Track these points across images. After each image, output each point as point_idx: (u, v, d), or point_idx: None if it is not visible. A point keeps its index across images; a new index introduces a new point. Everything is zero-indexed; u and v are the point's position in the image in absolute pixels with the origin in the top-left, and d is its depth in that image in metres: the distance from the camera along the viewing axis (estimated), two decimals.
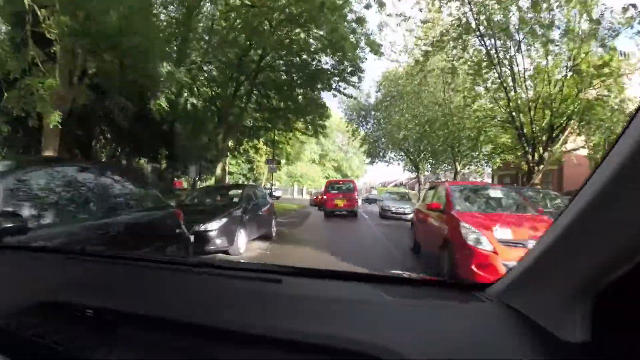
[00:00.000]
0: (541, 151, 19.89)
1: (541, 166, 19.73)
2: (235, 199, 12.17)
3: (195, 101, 28.45)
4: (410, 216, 20.60)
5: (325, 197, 27.08)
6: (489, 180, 46.46)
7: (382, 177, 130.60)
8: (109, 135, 27.03)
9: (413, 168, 47.00)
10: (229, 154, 51.82)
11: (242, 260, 6.48)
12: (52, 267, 2.19)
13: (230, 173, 69.76)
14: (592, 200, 0.94)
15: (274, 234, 14.44)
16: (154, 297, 1.69)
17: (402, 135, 37.06)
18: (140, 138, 24.87)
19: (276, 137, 33.12)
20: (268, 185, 44.29)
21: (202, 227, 9.56)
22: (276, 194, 48.14)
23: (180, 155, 32.53)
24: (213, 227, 9.77)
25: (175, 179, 36.68)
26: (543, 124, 20.03)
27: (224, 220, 10.15)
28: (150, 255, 3.18)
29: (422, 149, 40.39)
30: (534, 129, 19.74)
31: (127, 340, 1.39)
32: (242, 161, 69.54)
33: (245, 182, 66.56)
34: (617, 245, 0.93)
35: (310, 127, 31.08)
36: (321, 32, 22.51)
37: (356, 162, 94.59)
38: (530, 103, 19.49)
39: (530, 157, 20.14)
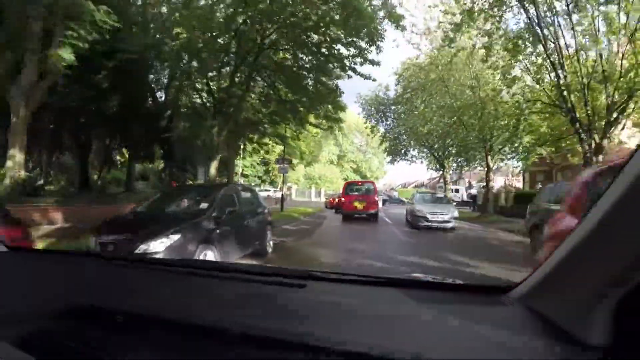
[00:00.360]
0: (598, 139, 16.37)
1: (600, 157, 16.10)
2: (206, 205, 8.44)
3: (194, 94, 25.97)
4: (450, 225, 18.69)
5: (343, 199, 25.54)
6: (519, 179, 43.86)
7: (403, 177, 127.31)
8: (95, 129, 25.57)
9: (437, 166, 43.72)
10: (241, 154, 50.67)
11: (266, 265, 6.33)
12: (82, 270, 2.31)
13: (245, 175, 69.64)
14: (616, 203, 0.96)
15: (269, 250, 11.20)
16: (181, 302, 1.73)
17: (426, 129, 33.95)
18: (129, 133, 23.25)
19: (286, 133, 29.62)
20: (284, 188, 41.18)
21: (142, 248, 6.36)
22: (275, 195, 45.97)
23: (179, 154, 31.03)
24: (156, 248, 6.47)
25: (174, 180, 34.81)
26: (599, 103, 16.49)
27: (176, 237, 6.83)
28: (175, 260, 3.47)
29: (450, 143, 36.94)
30: (588, 112, 16.28)
31: (156, 345, 1.41)
32: (257, 163, 69.61)
33: (261, 185, 65.66)
34: (633, 254, 0.95)
35: (324, 120, 27.39)
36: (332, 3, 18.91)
37: (375, 163, 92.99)
38: (585, 79, 16.07)
39: (586, 146, 16.59)
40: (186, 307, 1.62)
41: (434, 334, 1.33)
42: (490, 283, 2.04)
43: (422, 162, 45.37)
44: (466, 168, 43.26)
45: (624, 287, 1.02)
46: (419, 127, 34.34)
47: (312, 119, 28.18)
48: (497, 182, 56.86)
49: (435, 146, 39.39)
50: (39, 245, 9.24)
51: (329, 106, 25.93)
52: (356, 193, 25.05)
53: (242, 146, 36.59)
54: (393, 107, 41.71)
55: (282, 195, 29.21)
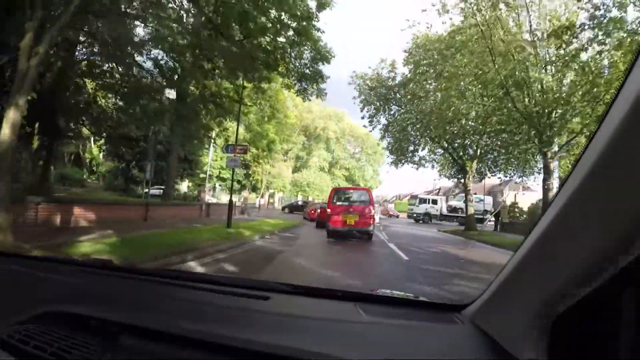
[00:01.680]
0: None
1: None
2: None
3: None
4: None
5: (328, 210, 19.38)
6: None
7: (400, 188, 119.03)
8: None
9: (453, 172, 35.12)
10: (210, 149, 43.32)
11: (234, 277, 6.02)
12: (59, 277, 2.32)
13: (222, 179, 61.97)
14: (551, 226, 1.02)
15: None
16: (151, 309, 1.80)
17: (452, 112, 23.27)
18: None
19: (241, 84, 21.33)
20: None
21: None
22: (241, 204, 39.12)
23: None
24: None
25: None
26: None
27: None
28: (148, 269, 3.65)
29: (483, 138, 28.24)
30: None
31: (126, 350, 1.47)
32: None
33: (241, 190, 58.91)
34: (574, 271, 0.98)
35: (295, 76, 20.49)
36: None
37: (370, 172, 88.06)
38: None
39: None
40: (155, 315, 1.67)
41: (382, 349, 1.39)
42: (447, 302, 2.02)
43: (433, 166, 36.36)
44: (503, 173, 33.95)
45: (557, 309, 1.05)
46: (445, 111, 23.70)
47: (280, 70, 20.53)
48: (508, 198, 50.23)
49: (456, 143, 30.69)
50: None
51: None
52: (346, 204, 19.29)
53: (209, 135, 29.52)
54: (395, 95, 32.64)
55: (230, 202, 20.10)
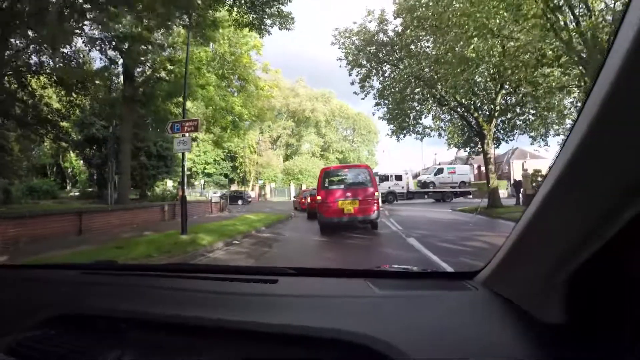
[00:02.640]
0: None
1: None
2: None
3: None
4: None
5: (318, 197, 15.23)
6: None
7: (398, 168, 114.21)
8: None
9: (464, 139, 29.74)
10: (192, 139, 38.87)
11: (242, 265, 6.37)
12: (65, 282, 2.29)
13: (208, 175, 61.10)
14: (553, 189, 1.02)
15: None
16: (159, 303, 1.77)
17: (485, 47, 17.70)
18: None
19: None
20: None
21: None
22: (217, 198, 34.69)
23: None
24: None
25: None
26: None
27: None
28: (153, 265, 4.26)
29: (510, 82, 22.11)
30: None
31: (137, 345, 1.51)
32: (222, 158, 62.24)
33: (229, 186, 58.69)
34: (580, 229, 0.99)
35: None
36: None
37: (365, 153, 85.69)
38: None
39: None
40: (166, 308, 1.65)
41: (399, 320, 1.40)
42: (457, 270, 2.30)
43: (440, 134, 30.05)
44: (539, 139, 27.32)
45: (571, 266, 1.06)
46: (448, 68, 19.00)
47: None
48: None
49: (470, 102, 25.33)
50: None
51: None
52: (341, 187, 15.21)
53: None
54: (389, 53, 26.77)
55: (183, 198, 15.09)
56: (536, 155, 61.32)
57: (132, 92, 20.41)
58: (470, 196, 42.43)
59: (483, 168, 72.66)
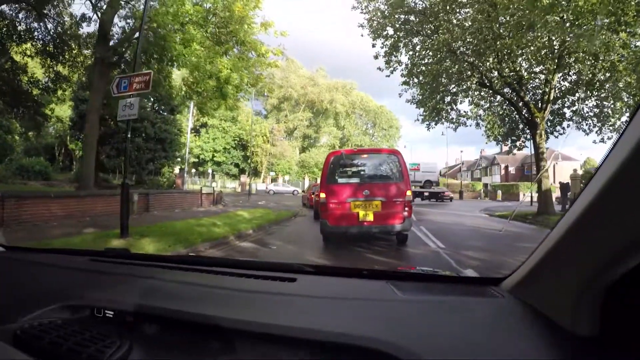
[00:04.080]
0: None
1: None
2: None
3: None
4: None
5: (322, 195, 10.55)
6: None
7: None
8: None
9: (506, 129, 25.16)
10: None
11: (258, 260, 5.52)
12: (75, 269, 2.31)
13: (217, 163, 58.89)
14: (601, 193, 0.95)
15: None
16: (172, 297, 1.75)
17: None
18: None
19: None
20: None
21: None
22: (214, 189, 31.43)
23: None
24: None
25: None
26: None
27: None
28: (167, 255, 3.82)
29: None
30: None
31: (146, 340, 1.47)
32: (232, 146, 60.29)
33: (239, 175, 56.73)
34: (625, 239, 0.94)
35: None
36: None
37: (385, 147, 78.35)
38: None
39: None
40: (176, 303, 1.61)
41: (423, 326, 1.35)
42: (481, 275, 2.39)
43: (478, 124, 25.35)
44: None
45: (610, 278, 1.02)
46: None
47: None
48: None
49: (523, 82, 20.56)
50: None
51: None
52: (357, 181, 10.62)
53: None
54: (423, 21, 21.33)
55: (125, 189, 10.71)
56: (568, 157, 56.96)
57: (104, 53, 17.08)
58: (450, 200, 41.67)
59: (511, 169, 68.21)
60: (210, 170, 57.91)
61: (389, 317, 1.42)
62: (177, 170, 41.58)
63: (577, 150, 58.82)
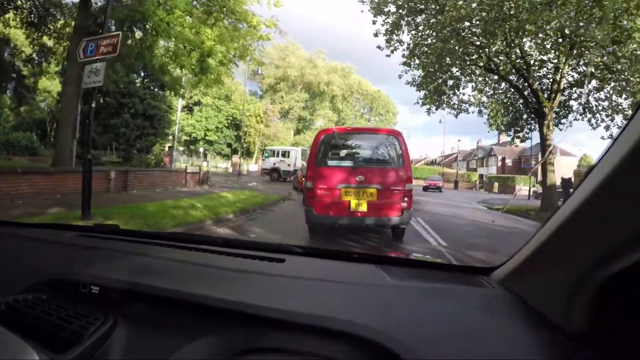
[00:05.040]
0: None
1: None
2: None
3: None
4: None
5: (309, 180, 9.26)
6: None
7: (415, 151, 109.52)
8: None
9: (509, 119, 24.07)
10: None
11: (248, 239, 4.92)
12: (62, 244, 2.25)
13: (209, 142, 60.86)
14: (598, 189, 0.95)
15: None
16: (160, 275, 1.71)
17: None
18: None
19: None
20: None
21: None
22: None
23: None
24: None
25: None
26: None
27: None
28: (157, 232, 3.94)
29: None
30: None
31: (132, 317, 1.43)
32: (225, 125, 59.89)
33: (232, 157, 56.25)
34: (622, 236, 0.94)
35: None
36: None
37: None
38: None
39: None
40: (166, 280, 1.58)
41: (409, 313, 1.34)
42: (469, 264, 2.06)
43: (480, 111, 24.46)
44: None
45: (602, 274, 1.01)
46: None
47: None
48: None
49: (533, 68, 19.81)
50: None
51: None
52: (349, 163, 9.38)
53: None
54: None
55: (85, 164, 10.01)
56: (567, 152, 56.27)
57: (85, 21, 16.21)
58: (439, 191, 41.37)
59: (508, 161, 67.63)
60: (201, 149, 57.15)
61: (377, 302, 1.41)
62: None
63: (573, 147, 58.53)
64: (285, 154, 40.52)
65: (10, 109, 37.70)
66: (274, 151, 41.45)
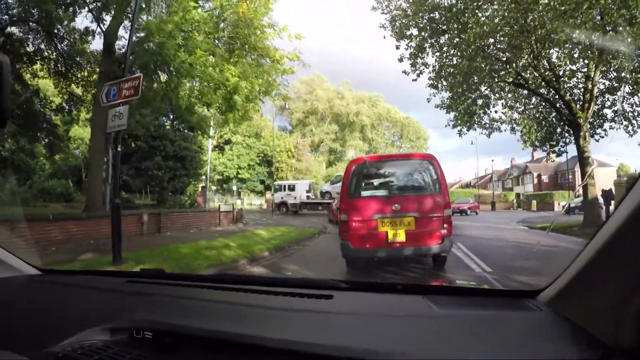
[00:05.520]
0: None
1: None
2: None
3: None
4: None
5: (342, 212, 8.81)
6: None
7: (449, 176, 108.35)
8: None
9: (543, 133, 23.15)
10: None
11: (293, 277, 4.94)
12: (111, 290, 2.33)
13: (243, 180, 60.50)
14: (638, 206, 0.96)
15: None
16: (209, 317, 1.76)
17: None
18: None
19: None
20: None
21: None
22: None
23: None
24: None
25: None
26: None
27: None
28: (202, 275, 4.14)
29: None
30: None
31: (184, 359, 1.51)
32: (257, 162, 60.86)
33: (265, 191, 56.18)
34: None
35: None
36: None
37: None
38: None
39: None
40: (213, 323, 1.63)
41: (461, 342, 1.33)
42: (515, 288, 2.07)
43: (513, 128, 23.47)
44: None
45: None
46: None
47: None
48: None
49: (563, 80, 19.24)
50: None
51: None
52: (384, 193, 9.00)
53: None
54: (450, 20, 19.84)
55: (114, 208, 10.39)
56: (603, 162, 54.77)
57: (109, 67, 16.62)
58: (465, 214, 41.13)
59: (544, 177, 66.17)
60: (234, 188, 57.11)
61: (426, 333, 1.41)
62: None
63: (606, 157, 56.84)
64: (291, 187, 43.03)
65: (45, 157, 38.44)
66: (281, 186, 43.96)
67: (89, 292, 2.28)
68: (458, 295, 1.96)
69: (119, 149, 10.35)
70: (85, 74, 21.98)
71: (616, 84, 19.19)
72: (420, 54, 21.15)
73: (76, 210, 18.65)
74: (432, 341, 1.35)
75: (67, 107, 23.75)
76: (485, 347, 1.28)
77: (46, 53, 21.15)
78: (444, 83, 21.40)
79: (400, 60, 21.50)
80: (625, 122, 20.31)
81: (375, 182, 9.40)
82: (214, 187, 54.85)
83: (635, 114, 19.92)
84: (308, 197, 42.27)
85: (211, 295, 2.10)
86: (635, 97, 19.63)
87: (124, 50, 17.96)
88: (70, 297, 2.21)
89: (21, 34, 19.92)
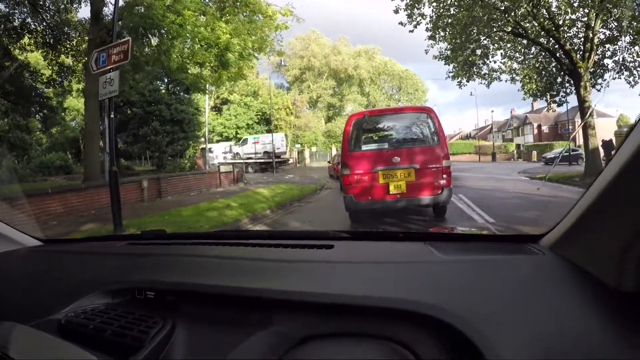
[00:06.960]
0: None
1: None
2: None
3: None
4: None
5: (346, 167, 9.01)
6: None
7: (448, 128, 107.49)
8: None
9: (544, 84, 22.87)
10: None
11: (294, 230, 6.00)
12: (113, 253, 2.32)
13: (242, 140, 54.66)
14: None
15: None
16: (211, 273, 1.76)
17: None
18: None
19: None
20: None
21: None
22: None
23: None
24: None
25: None
26: None
27: None
28: (203, 232, 4.28)
29: None
30: None
31: (189, 318, 1.47)
32: (256, 121, 59.15)
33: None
34: None
35: None
36: None
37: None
38: None
39: None
40: (218, 278, 1.64)
41: (463, 286, 1.34)
42: (516, 233, 2.55)
43: (513, 78, 23.15)
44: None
45: None
46: None
47: None
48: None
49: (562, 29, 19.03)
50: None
51: None
52: (384, 146, 9.21)
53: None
54: None
55: (111, 175, 10.32)
56: (603, 113, 54.43)
57: (98, 34, 16.24)
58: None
59: (544, 127, 65.90)
60: (228, 146, 56.89)
61: (429, 279, 1.42)
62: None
63: (605, 108, 56.34)
64: (244, 141, 45.89)
65: (41, 132, 38.34)
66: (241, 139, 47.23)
67: (90, 258, 2.27)
68: (460, 242, 2.00)
69: (112, 116, 10.26)
70: (75, 43, 21.76)
71: (617, 34, 18.93)
72: (416, 5, 20.63)
73: (76, 182, 18.62)
74: (434, 285, 1.36)
75: (58, 79, 23.45)
76: (488, 288, 1.30)
77: (33, 26, 21.00)
78: (442, 34, 21.14)
79: (396, 11, 21.05)
80: (626, 72, 20.14)
81: (375, 135, 9.80)
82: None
83: (636, 64, 19.77)
84: (225, 157, 43.37)
85: (211, 251, 2.11)
86: (636, 47, 19.41)
87: (110, 16, 17.75)
88: (71, 264, 2.20)
89: (7, 9, 19.76)
